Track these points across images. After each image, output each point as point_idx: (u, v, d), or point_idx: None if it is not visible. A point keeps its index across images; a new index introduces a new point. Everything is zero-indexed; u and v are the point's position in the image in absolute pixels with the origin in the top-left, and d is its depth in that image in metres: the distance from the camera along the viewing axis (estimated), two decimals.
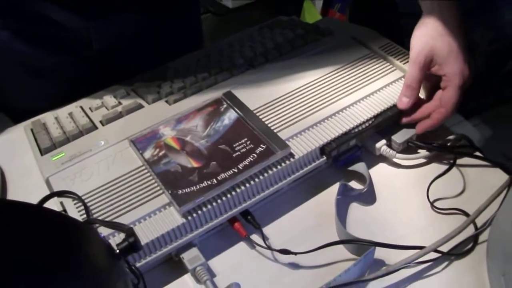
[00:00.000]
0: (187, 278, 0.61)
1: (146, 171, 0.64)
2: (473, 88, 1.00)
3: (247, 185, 0.62)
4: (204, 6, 1.46)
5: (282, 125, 0.68)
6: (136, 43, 0.86)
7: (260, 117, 0.69)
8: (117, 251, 0.40)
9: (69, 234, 0.35)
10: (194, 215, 0.60)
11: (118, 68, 0.81)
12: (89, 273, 0.35)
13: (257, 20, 0.92)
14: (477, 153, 0.74)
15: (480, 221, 0.66)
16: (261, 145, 0.64)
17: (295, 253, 0.61)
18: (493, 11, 0.98)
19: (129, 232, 0.41)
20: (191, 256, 0.60)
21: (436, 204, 0.68)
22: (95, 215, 0.59)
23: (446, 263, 0.63)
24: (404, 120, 0.72)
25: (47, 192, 0.63)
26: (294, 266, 0.62)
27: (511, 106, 0.99)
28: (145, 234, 0.58)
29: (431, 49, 0.68)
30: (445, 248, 0.63)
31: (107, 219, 0.59)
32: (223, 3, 1.41)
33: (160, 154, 0.65)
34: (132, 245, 0.40)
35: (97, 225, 0.53)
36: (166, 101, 0.74)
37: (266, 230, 0.65)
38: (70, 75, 0.83)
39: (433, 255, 0.62)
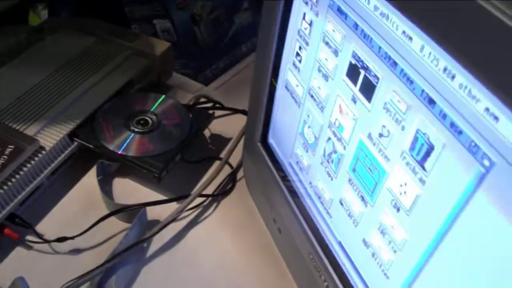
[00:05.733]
0: None
1: None
2: (204, 56, 1.09)
3: (5, 187, 0.62)
4: None
5: (27, 123, 0.68)
6: None
7: (2, 121, 0.68)
8: None
9: None
10: None
11: None
12: None
13: None
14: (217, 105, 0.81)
15: (233, 161, 0.73)
16: (9, 146, 0.64)
17: (72, 238, 0.62)
18: None
19: None
20: None
21: (190, 157, 0.72)
22: None
23: (214, 204, 0.69)
24: None
25: None
26: (76, 251, 0.63)
27: (242, 64, 1.08)
28: None
29: None
30: (209, 191, 0.69)
31: None
32: None
33: None
34: None
35: None
36: None
37: (39, 227, 0.65)
38: None
39: (201, 200, 0.68)
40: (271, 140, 0.61)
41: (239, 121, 0.78)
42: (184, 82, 0.90)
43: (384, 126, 0.37)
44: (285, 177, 0.58)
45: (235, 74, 1.07)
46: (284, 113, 0.57)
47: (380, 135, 0.38)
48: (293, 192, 0.56)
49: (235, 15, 1.18)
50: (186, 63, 1.03)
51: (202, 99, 0.82)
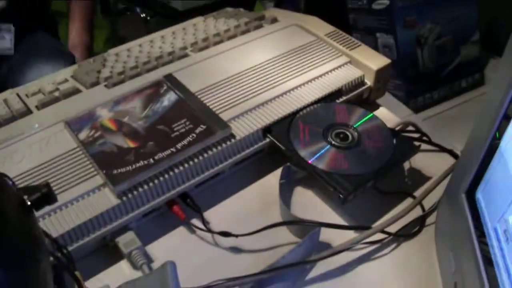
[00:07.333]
0: (123, 264, 0.58)
1: (80, 152, 0.61)
2: (421, 82, 1.01)
3: (186, 165, 0.60)
4: (153, 8, 1.44)
5: (224, 107, 0.67)
6: None
7: (202, 99, 0.67)
8: (29, 202, 0.36)
9: None
10: (130, 196, 0.57)
11: None
12: None
13: None
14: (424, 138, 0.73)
15: (427, 203, 0.65)
16: (201, 125, 0.62)
17: (236, 236, 0.58)
18: (439, 7, 0.99)
19: (43, 184, 0.37)
20: (126, 240, 0.57)
21: (381, 186, 0.65)
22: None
23: (394, 244, 0.61)
24: None
25: None
26: (236, 250, 0.60)
27: (459, 99, 0.99)
28: (78, 215, 0.55)
29: None
30: (392, 229, 0.61)
31: None
32: (172, 5, 1.38)
33: (96, 135, 0.62)
34: (46, 196, 0.37)
35: None
36: (105, 85, 0.71)
37: (207, 214, 0.63)
38: None
39: (380, 236, 0.61)
40: (479, 195, 0.52)
41: (443, 160, 0.70)
42: (394, 104, 0.83)
43: None
44: (483, 241, 0.49)
45: (448, 108, 0.98)
46: (506, 171, 0.47)
47: None
48: (488, 260, 0.47)
49: (462, 45, 1.09)
50: (399, 84, 0.96)
51: (410, 127, 0.74)
